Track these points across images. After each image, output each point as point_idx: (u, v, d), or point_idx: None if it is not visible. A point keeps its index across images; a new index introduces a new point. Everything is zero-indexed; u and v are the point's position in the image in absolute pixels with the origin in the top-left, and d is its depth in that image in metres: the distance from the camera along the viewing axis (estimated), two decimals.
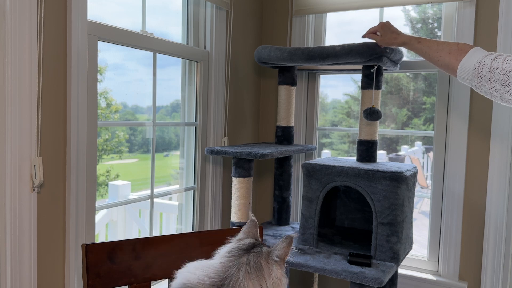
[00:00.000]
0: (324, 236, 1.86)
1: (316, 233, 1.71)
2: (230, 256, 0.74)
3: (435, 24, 2.25)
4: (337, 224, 2.03)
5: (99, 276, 0.99)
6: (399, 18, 2.36)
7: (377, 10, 2.12)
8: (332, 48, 1.76)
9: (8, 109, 1.20)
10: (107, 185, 2.47)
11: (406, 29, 2.42)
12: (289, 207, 2.11)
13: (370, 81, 1.79)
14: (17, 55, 1.21)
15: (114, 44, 1.60)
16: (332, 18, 2.28)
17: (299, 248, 1.71)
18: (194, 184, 2.07)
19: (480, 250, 1.89)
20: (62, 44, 1.36)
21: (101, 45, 1.53)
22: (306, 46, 1.97)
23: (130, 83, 1.80)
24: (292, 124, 2.08)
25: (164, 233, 2.27)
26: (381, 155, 3.28)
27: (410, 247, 1.76)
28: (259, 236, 0.82)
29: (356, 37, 1.92)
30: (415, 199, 1.94)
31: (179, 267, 1.10)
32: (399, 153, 4.47)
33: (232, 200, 1.80)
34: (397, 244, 1.57)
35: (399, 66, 1.93)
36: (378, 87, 1.80)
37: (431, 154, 2.09)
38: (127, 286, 1.04)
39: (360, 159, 1.85)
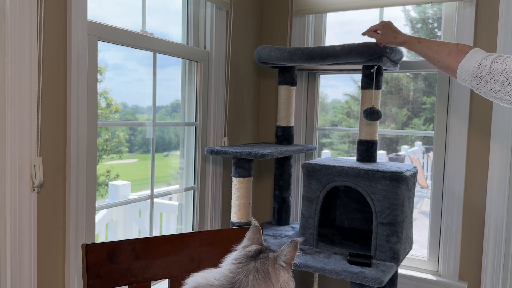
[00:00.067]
0: (324, 236, 1.86)
1: (316, 233, 1.71)
2: (238, 263, 0.75)
3: (435, 24, 2.25)
4: (337, 224, 2.03)
5: (99, 276, 0.99)
6: (399, 18, 2.36)
7: (377, 10, 2.12)
8: (332, 48, 1.76)
9: (8, 109, 1.20)
10: (107, 185, 2.47)
11: (406, 29, 2.42)
12: (289, 207, 2.11)
13: (370, 81, 1.79)
14: (17, 55, 1.21)
15: (114, 44, 1.60)
16: (332, 18, 2.28)
17: (299, 248, 1.71)
18: (194, 184, 2.07)
19: (480, 250, 1.89)
20: (62, 44, 1.36)
21: (101, 45, 1.53)
22: (306, 46, 1.97)
23: (130, 83, 1.80)
24: (292, 124, 2.08)
25: (164, 233, 2.27)
26: (381, 155, 3.28)
27: (410, 247, 1.76)
28: (263, 241, 0.82)
29: (356, 37, 1.93)
30: (415, 199, 1.94)
31: (179, 267, 1.10)
32: (399, 153, 4.47)
33: (232, 200, 1.80)
34: (397, 244, 1.57)
35: (399, 66, 1.93)
36: (378, 87, 1.80)
37: (431, 154, 2.09)
38: (127, 286, 1.04)
39: (360, 159, 1.85)
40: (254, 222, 0.85)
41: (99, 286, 0.98)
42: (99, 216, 2.49)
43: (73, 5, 1.35)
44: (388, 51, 1.69)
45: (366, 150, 1.84)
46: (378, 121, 1.84)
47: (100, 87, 1.57)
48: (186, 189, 2.05)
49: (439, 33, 2.09)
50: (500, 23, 1.79)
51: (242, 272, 0.73)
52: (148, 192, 1.83)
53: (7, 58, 1.19)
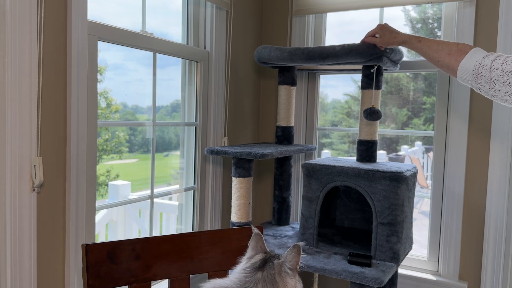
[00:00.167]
0: (324, 236, 1.86)
1: (316, 233, 1.71)
2: (245, 273, 0.78)
3: (435, 24, 2.25)
4: (337, 224, 2.03)
5: (99, 276, 0.99)
6: (399, 18, 2.36)
7: (377, 10, 2.12)
8: (332, 48, 1.76)
9: (8, 109, 1.20)
10: (107, 185, 2.47)
11: (406, 29, 2.42)
12: (289, 207, 2.11)
13: (370, 81, 1.79)
14: (17, 55, 1.21)
15: (114, 44, 1.60)
16: (332, 18, 2.28)
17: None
18: (194, 184, 2.07)
19: (480, 250, 1.89)
20: (62, 44, 1.36)
21: (101, 45, 1.53)
22: (306, 46, 1.97)
23: (130, 83, 1.80)
24: (292, 124, 2.08)
25: (164, 233, 2.27)
26: (381, 155, 3.28)
27: (410, 247, 1.76)
28: (266, 247, 0.85)
29: (356, 37, 1.93)
30: (415, 199, 1.94)
31: (179, 267, 1.10)
32: (399, 153, 4.47)
33: (232, 200, 1.80)
34: (397, 244, 1.57)
35: (399, 66, 1.93)
36: (378, 87, 1.80)
37: (431, 154, 2.09)
38: (127, 286, 1.04)
39: (360, 159, 1.85)
40: (255, 230, 0.87)
41: (99, 286, 0.98)
42: (99, 216, 2.49)
43: (73, 5, 1.35)
44: (388, 51, 1.69)
45: (366, 150, 1.84)
46: (378, 121, 1.84)
47: (100, 87, 1.57)
48: (186, 189, 2.05)
49: (439, 33, 2.09)
50: (500, 23, 1.79)
51: (251, 281, 0.76)
52: (148, 192, 1.83)
53: (7, 58, 1.19)
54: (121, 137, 2.02)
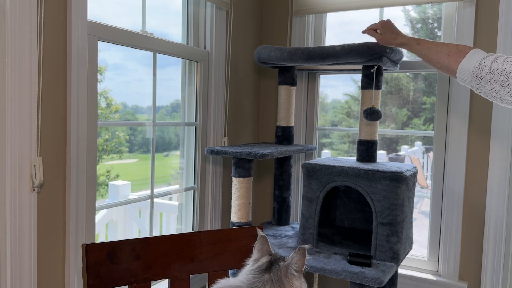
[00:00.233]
0: (324, 236, 1.86)
1: (316, 233, 1.71)
2: (253, 274, 0.80)
3: (435, 24, 2.25)
4: (337, 224, 2.03)
5: (99, 276, 0.99)
6: (399, 18, 2.36)
7: (377, 10, 2.12)
8: (332, 48, 1.76)
9: (8, 109, 1.20)
10: (107, 185, 2.47)
11: (406, 29, 2.42)
12: (289, 207, 2.11)
13: (370, 81, 1.79)
14: (17, 55, 1.21)
15: (114, 44, 1.60)
16: (332, 18, 2.28)
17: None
18: (194, 184, 2.07)
19: (480, 250, 1.89)
20: (62, 44, 1.36)
21: (101, 45, 1.53)
22: (306, 46, 1.97)
23: (130, 83, 1.80)
24: (292, 124, 2.08)
25: (164, 233, 2.27)
26: (381, 155, 3.28)
27: (410, 247, 1.76)
28: (271, 250, 0.87)
29: (356, 37, 1.93)
30: (415, 199, 1.94)
31: (179, 267, 1.10)
32: (399, 153, 4.47)
33: (232, 200, 1.80)
34: (397, 244, 1.57)
35: (399, 66, 1.93)
36: (378, 87, 1.80)
37: (431, 154, 2.09)
38: (127, 286, 1.04)
39: (360, 159, 1.85)
40: (260, 232, 0.89)
41: (99, 286, 0.99)
42: (99, 216, 2.49)
43: (73, 5, 1.35)
44: (388, 51, 1.69)
45: (366, 150, 1.84)
46: (378, 121, 1.84)
47: (100, 87, 1.57)
48: (186, 189, 2.05)
49: (439, 33, 2.09)
50: (500, 23, 1.79)
51: (259, 282, 0.79)
52: (148, 192, 1.83)
53: (7, 58, 1.19)
54: (121, 137, 2.02)
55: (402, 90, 2.44)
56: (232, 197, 1.80)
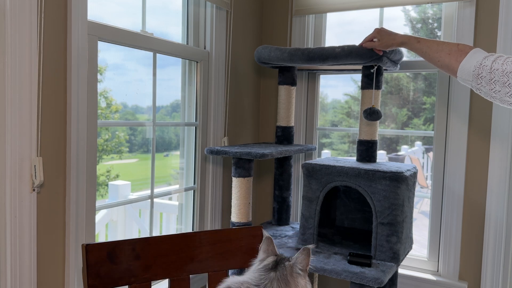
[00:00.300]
0: (324, 236, 1.86)
1: (316, 233, 1.71)
2: (260, 272, 0.84)
3: (435, 24, 2.25)
4: (337, 224, 2.03)
5: (99, 276, 0.99)
6: (399, 18, 2.36)
7: (377, 10, 2.12)
8: (332, 49, 1.76)
9: (8, 109, 1.20)
10: (107, 185, 2.47)
11: (406, 29, 2.42)
12: (289, 207, 2.11)
13: (370, 81, 1.79)
14: (17, 55, 1.21)
15: (114, 44, 1.60)
16: (332, 18, 2.28)
17: (298, 249, 1.71)
18: (194, 184, 2.07)
19: (480, 250, 1.89)
20: (62, 44, 1.36)
21: (101, 45, 1.53)
22: (306, 47, 1.97)
23: (130, 83, 1.80)
24: (292, 124, 2.08)
25: (164, 233, 2.27)
26: (381, 155, 3.28)
27: (410, 247, 1.76)
28: (277, 251, 0.91)
29: (356, 37, 1.93)
30: (415, 199, 1.95)
31: (179, 267, 1.10)
32: (399, 153, 4.47)
33: (232, 200, 1.80)
34: (397, 244, 1.57)
35: (399, 66, 1.93)
36: (378, 87, 1.80)
37: (431, 154, 2.09)
38: (127, 286, 1.04)
39: (360, 159, 1.85)
40: (266, 234, 0.92)
41: (99, 286, 0.99)
42: (99, 216, 2.49)
43: (73, 5, 1.35)
44: (388, 51, 1.69)
45: (366, 150, 1.84)
46: (378, 121, 1.84)
47: (100, 87, 1.57)
48: (186, 189, 2.05)
49: (439, 33, 2.09)
50: (500, 23, 1.79)
51: (266, 279, 0.82)
52: (148, 192, 1.83)
53: (7, 58, 1.19)
54: (121, 137, 2.02)
55: (402, 90, 2.44)
56: (232, 197, 1.80)
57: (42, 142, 1.31)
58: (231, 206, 1.83)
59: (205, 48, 2.04)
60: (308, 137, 2.32)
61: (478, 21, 1.85)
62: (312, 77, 2.29)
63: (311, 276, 2.15)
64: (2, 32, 1.19)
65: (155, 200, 1.85)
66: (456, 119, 1.91)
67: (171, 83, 1.99)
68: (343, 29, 2.40)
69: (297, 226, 2.08)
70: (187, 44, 2.01)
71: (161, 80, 1.85)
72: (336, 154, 3.29)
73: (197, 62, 2.01)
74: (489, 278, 1.85)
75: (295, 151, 1.91)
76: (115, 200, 2.54)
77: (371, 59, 1.68)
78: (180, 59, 1.99)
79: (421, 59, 1.94)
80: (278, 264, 0.85)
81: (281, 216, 2.09)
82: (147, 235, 1.39)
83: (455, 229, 1.92)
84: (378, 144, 1.86)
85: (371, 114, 1.76)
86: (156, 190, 1.86)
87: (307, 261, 0.85)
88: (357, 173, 1.61)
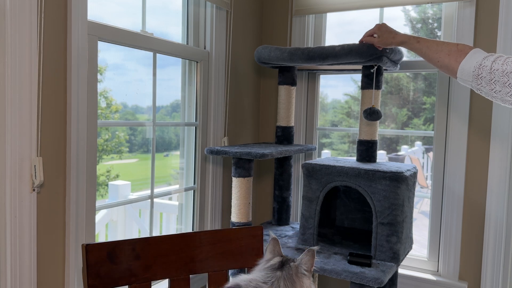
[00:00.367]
0: (324, 236, 1.86)
1: (316, 233, 1.71)
2: (266, 271, 0.88)
3: (435, 24, 2.25)
4: (337, 224, 2.03)
5: (99, 276, 0.99)
6: (399, 18, 2.36)
7: (377, 10, 2.12)
8: (332, 48, 1.76)
9: (8, 109, 1.20)
10: (107, 185, 2.47)
11: (406, 29, 2.42)
12: (289, 207, 2.11)
13: (370, 81, 1.79)
14: (17, 55, 1.21)
15: (114, 44, 1.60)
16: (332, 18, 2.28)
17: (298, 248, 1.71)
18: (194, 184, 2.07)
19: (480, 250, 1.89)
20: (62, 44, 1.36)
21: (101, 45, 1.53)
22: (306, 46, 1.97)
23: (130, 83, 1.80)
24: (292, 124, 2.08)
25: (164, 233, 2.27)
26: (381, 155, 3.28)
27: (410, 247, 1.76)
28: (282, 252, 0.95)
29: (356, 37, 1.92)
30: (415, 199, 1.95)
31: (179, 267, 1.10)
32: (399, 153, 4.47)
33: (232, 200, 1.80)
34: (397, 244, 1.57)
35: (399, 66, 1.93)
36: (378, 87, 1.80)
37: (431, 154, 2.09)
38: (127, 286, 1.04)
39: (360, 159, 1.85)
40: (272, 235, 0.96)
41: (99, 286, 0.99)
42: (99, 216, 2.50)
43: (73, 5, 1.35)
44: (388, 51, 1.69)
45: (366, 150, 1.84)
46: (378, 121, 1.84)
47: (100, 87, 1.57)
48: (186, 189, 2.05)
49: (439, 33, 2.09)
50: (500, 23, 1.79)
51: (273, 277, 0.86)
52: (148, 192, 1.83)
53: (7, 58, 1.19)
54: (121, 137, 2.02)
55: (402, 90, 2.44)
56: (232, 197, 1.80)
57: (42, 142, 1.31)
58: (231, 206, 1.83)
59: (205, 48, 2.04)
60: (308, 137, 2.32)
61: (478, 21, 1.85)
62: (312, 77, 2.29)
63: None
64: (2, 32, 1.19)
65: (155, 200, 1.86)
66: (456, 119, 1.91)
67: (171, 83, 1.99)
68: (343, 29, 2.40)
69: (297, 226, 2.08)
70: (187, 44, 2.01)
71: (161, 80, 1.85)
72: (336, 154, 3.29)
73: (197, 62, 2.01)
74: (489, 278, 1.85)
75: (295, 151, 1.91)
76: (115, 200, 2.54)
77: (371, 57, 1.68)
78: (180, 59, 1.99)
79: (421, 59, 1.94)
80: (284, 264, 0.88)
81: (281, 216, 2.09)
82: (147, 235, 1.40)
83: (455, 229, 1.92)
84: (378, 144, 1.86)
85: (371, 114, 1.76)
86: (156, 190, 1.86)
87: (311, 262, 0.88)
88: (357, 173, 1.61)
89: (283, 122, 2.05)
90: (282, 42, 2.34)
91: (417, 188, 2.12)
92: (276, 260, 0.90)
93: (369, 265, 1.52)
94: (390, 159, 3.72)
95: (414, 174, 1.71)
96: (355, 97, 2.68)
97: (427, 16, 2.36)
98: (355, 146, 1.88)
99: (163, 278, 1.08)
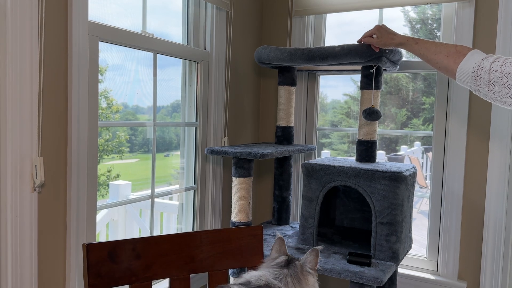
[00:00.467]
0: (324, 236, 1.87)
1: (316, 232, 1.71)
2: (273, 269, 0.92)
3: (434, 25, 2.26)
4: (337, 224, 2.03)
5: (100, 275, 0.99)
6: (399, 19, 2.37)
7: (377, 11, 2.13)
8: (332, 48, 1.76)
9: (9, 109, 1.21)
10: (108, 185, 2.47)
11: (405, 30, 2.43)
12: (289, 207, 2.12)
13: (370, 81, 1.80)
14: (18, 55, 1.22)
15: (114, 45, 1.61)
16: (332, 19, 2.28)
17: (298, 248, 1.72)
18: (194, 184, 2.08)
19: (479, 249, 1.89)
20: (63, 45, 1.36)
21: (101, 45, 1.54)
22: (306, 47, 1.98)
23: (130, 83, 1.81)
24: (292, 124, 2.08)
25: (164, 233, 2.28)
26: (381, 155, 3.28)
27: (410, 247, 1.76)
28: (287, 251, 1.00)
29: (356, 38, 1.93)
30: (414, 199, 1.95)
31: (179, 266, 1.11)
32: (399, 153, 4.48)
33: (232, 200, 1.81)
34: (396, 243, 1.58)
35: (398, 66, 1.94)
36: (377, 87, 1.81)
37: (430, 154, 2.10)
38: (127, 285, 1.05)
39: (360, 159, 1.86)
40: (278, 234, 1.01)
41: (100, 286, 0.99)
42: (100, 215, 2.50)
43: (73, 6, 1.36)
44: (387, 51, 1.70)
45: (366, 150, 1.84)
46: (377, 121, 1.84)
47: (101, 87, 1.58)
48: (187, 189, 2.05)
49: (438, 34, 2.10)
50: (499, 24, 1.79)
51: (280, 274, 0.90)
52: (149, 192, 1.83)
53: (8, 58, 1.20)
54: (122, 137, 2.03)
55: (401, 91, 2.45)
56: (232, 197, 1.81)
57: (43, 142, 1.32)
58: (231, 206, 1.83)
59: (205, 49, 2.05)
60: (308, 137, 2.33)
61: (477, 21, 1.86)
62: (312, 78, 2.30)
63: None
64: (2, 33, 1.20)
65: (156, 200, 1.86)
66: (455, 119, 1.91)
67: (172, 83, 1.99)
68: (343, 29, 2.40)
69: (297, 225, 2.08)
70: (187, 44, 2.02)
71: (162, 81, 1.86)
72: (336, 154, 3.29)
73: (197, 63, 2.02)
74: (488, 278, 1.86)
75: (295, 151, 1.92)
76: (116, 200, 2.55)
77: (371, 57, 1.68)
78: (181, 59, 1.99)
79: (420, 59, 1.94)
80: (289, 262, 0.93)
81: (281, 216, 2.10)
82: (148, 235, 1.40)
83: (454, 228, 1.93)
84: (377, 144, 1.87)
85: (371, 114, 1.77)
86: (157, 190, 1.86)
87: (315, 261, 0.93)
88: (356, 173, 1.62)
89: (283, 122, 2.06)
90: (282, 42, 2.34)
91: (417, 188, 2.13)
92: (282, 258, 0.94)
93: (368, 265, 1.52)
94: (390, 159, 3.72)
95: (413, 174, 1.72)
96: (354, 97, 2.69)
97: (426, 17, 2.36)
98: (355, 146, 1.89)
99: (164, 277, 1.08)
